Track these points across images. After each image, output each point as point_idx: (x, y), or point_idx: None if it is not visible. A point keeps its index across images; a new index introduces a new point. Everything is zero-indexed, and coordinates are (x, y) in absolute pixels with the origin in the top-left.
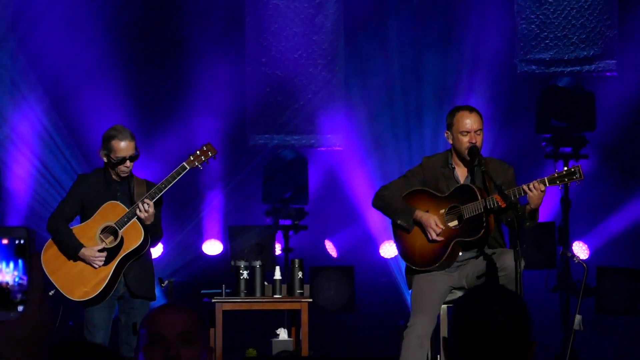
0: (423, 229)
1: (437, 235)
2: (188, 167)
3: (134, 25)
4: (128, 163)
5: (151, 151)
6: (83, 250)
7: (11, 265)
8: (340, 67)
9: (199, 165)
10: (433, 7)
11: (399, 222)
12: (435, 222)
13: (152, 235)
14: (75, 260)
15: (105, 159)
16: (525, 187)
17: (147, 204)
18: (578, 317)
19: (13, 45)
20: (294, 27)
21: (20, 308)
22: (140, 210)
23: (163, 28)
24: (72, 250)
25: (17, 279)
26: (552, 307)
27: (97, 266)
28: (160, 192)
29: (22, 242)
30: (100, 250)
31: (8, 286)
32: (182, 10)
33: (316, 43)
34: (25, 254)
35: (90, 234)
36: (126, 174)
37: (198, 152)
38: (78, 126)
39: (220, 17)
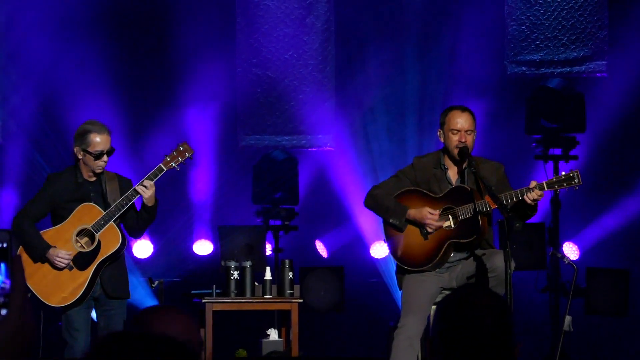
0: (416, 228)
1: (436, 222)
2: (165, 169)
3: (123, 26)
4: (105, 157)
5: (141, 153)
6: (50, 251)
7: None
8: (331, 68)
9: (176, 167)
10: (423, 7)
11: (391, 221)
12: (429, 212)
13: (146, 221)
14: (42, 262)
15: (80, 155)
16: (526, 195)
17: (147, 185)
18: (568, 318)
19: None
20: (284, 28)
21: (2, 312)
22: (143, 191)
23: (153, 28)
24: (39, 251)
25: None
26: (542, 308)
27: (60, 267)
28: (137, 194)
29: (4, 245)
30: (77, 255)
31: None
32: (172, 11)
33: (307, 44)
34: (8, 257)
35: (66, 237)
36: (101, 170)
37: (174, 152)
38: (66, 127)
39: (211, 18)
